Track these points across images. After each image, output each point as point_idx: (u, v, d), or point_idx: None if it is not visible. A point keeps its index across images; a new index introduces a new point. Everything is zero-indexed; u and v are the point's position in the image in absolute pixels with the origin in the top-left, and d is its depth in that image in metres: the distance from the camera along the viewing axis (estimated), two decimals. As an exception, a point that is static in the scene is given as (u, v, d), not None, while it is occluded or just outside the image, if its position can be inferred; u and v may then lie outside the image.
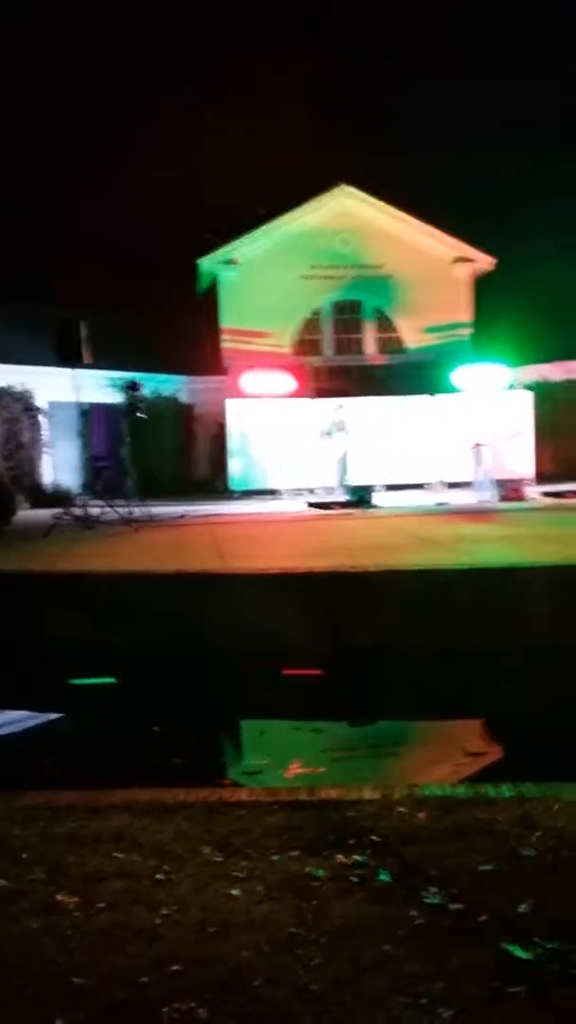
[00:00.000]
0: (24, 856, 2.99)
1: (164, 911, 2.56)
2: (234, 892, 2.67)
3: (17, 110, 36.80)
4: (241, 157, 29.07)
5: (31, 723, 6.03)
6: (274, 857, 2.93)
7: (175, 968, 2.23)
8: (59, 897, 2.67)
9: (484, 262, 23.24)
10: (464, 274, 23.19)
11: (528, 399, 18.93)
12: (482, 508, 13.94)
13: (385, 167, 27.68)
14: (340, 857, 2.91)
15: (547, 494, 14.81)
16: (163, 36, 41.54)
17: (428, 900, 2.58)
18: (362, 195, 22.60)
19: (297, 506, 15.42)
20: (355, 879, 2.75)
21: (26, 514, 14.47)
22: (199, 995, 2.10)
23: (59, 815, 3.38)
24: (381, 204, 22.62)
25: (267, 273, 22.25)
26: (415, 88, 37.53)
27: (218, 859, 2.93)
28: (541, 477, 18.86)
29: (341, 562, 7.23)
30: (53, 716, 6.21)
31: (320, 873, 2.78)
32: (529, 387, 19.86)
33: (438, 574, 6.94)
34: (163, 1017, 2.02)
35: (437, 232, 22.87)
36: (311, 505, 15.06)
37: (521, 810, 3.33)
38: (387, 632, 6.69)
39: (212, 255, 22.47)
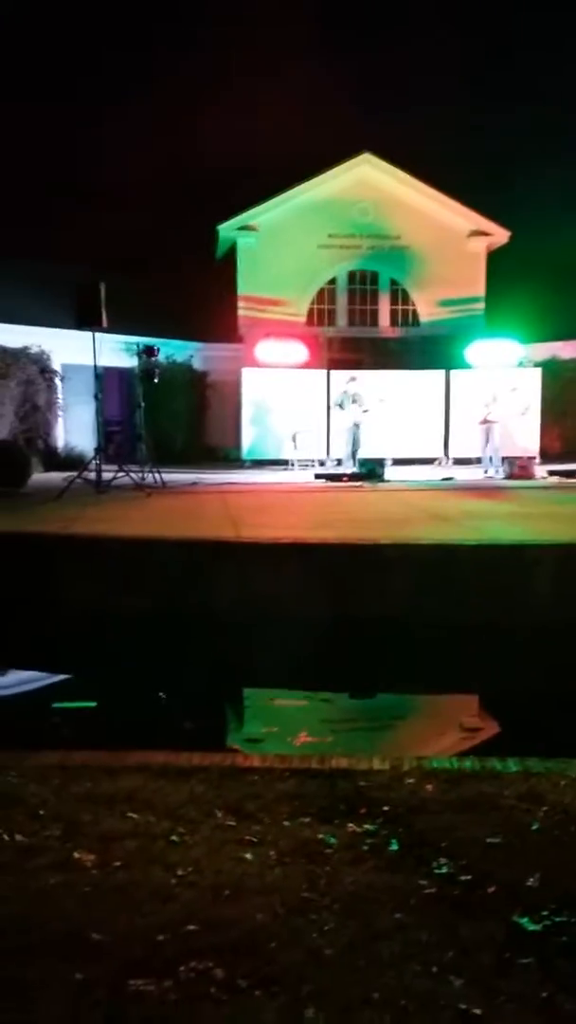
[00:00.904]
0: (41, 813, 3.04)
1: (179, 872, 2.61)
2: (247, 856, 2.72)
3: (38, 69, 36.36)
4: (264, 123, 28.70)
5: (43, 683, 6.10)
6: (286, 823, 2.98)
7: (191, 928, 2.28)
8: (76, 855, 2.72)
9: (500, 236, 23.03)
10: (480, 248, 22.99)
11: (537, 376, 18.83)
12: (490, 485, 13.92)
13: (405, 138, 27.41)
14: (351, 825, 2.96)
15: (553, 472, 14.77)
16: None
17: (438, 871, 2.63)
18: (383, 164, 22.34)
19: (307, 477, 15.42)
20: (366, 847, 2.80)
21: (40, 477, 14.50)
22: (215, 955, 2.15)
23: (73, 775, 3.44)
24: (401, 174, 22.37)
25: (285, 241, 22.09)
26: (437, 60, 36.92)
27: (231, 823, 2.98)
28: (547, 456, 18.81)
29: (351, 534, 7.26)
30: (63, 677, 6.28)
31: (332, 840, 2.83)
32: (539, 364, 19.75)
33: (448, 549, 6.96)
34: (180, 975, 2.07)
35: (455, 204, 22.64)
36: (321, 476, 15.05)
37: (527, 785, 3.37)
38: (395, 604, 6.72)
39: (231, 221, 22.27)
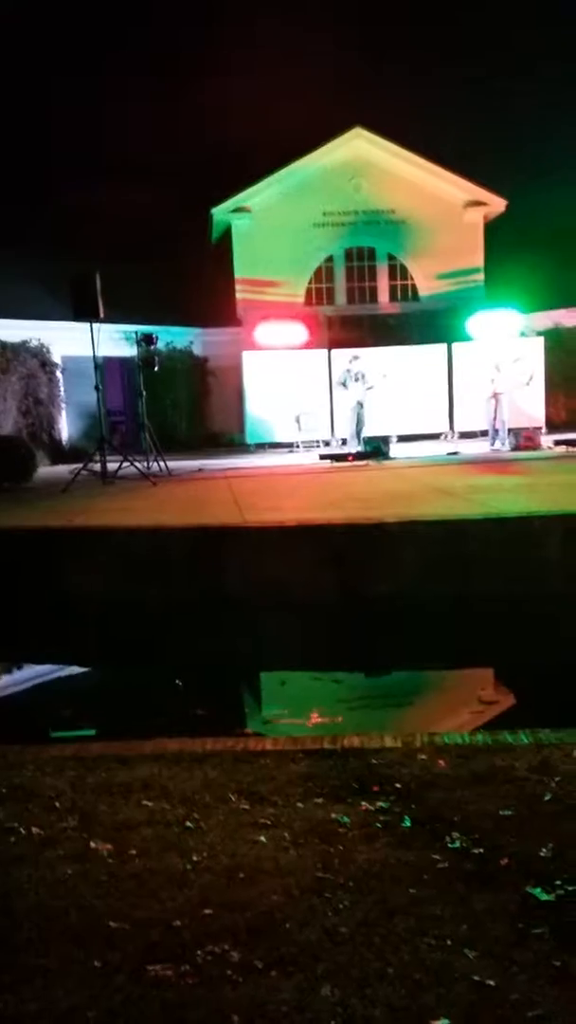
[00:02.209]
0: (57, 805, 3.08)
1: (194, 857, 2.64)
2: (262, 838, 2.75)
3: (29, 54, 36.09)
4: (255, 104, 28.46)
5: (55, 676, 6.14)
6: (299, 804, 3.01)
7: (207, 912, 2.31)
8: (92, 844, 2.75)
9: (496, 205, 22.84)
10: (476, 218, 22.81)
11: (540, 346, 18.71)
12: (496, 457, 13.88)
13: (397, 110, 27.11)
14: (364, 803, 2.99)
15: (560, 442, 14.70)
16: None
17: (451, 845, 2.65)
18: (375, 138, 22.16)
19: (312, 458, 15.41)
20: (379, 825, 2.82)
21: (45, 470, 14.54)
22: (231, 938, 2.18)
23: (89, 766, 3.47)
24: (394, 147, 22.19)
25: (280, 221, 21.98)
26: (424, 30, 36.48)
27: (245, 807, 3.01)
28: (553, 425, 18.73)
29: (356, 514, 7.26)
30: (78, 670, 6.33)
31: (345, 819, 2.85)
32: (542, 333, 19.62)
33: (454, 524, 6.95)
34: (197, 959, 2.10)
35: (449, 175, 22.45)
36: (325, 457, 15.03)
37: (539, 756, 3.39)
38: (403, 582, 6.73)
39: (225, 203, 22.16)
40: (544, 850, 2.57)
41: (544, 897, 2.31)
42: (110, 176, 27.33)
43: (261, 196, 22.23)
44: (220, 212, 22.30)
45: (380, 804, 2.97)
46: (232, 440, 20.17)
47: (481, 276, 22.77)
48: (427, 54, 34.83)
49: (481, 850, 2.60)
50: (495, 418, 15.92)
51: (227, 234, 22.89)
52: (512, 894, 2.33)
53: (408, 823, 2.82)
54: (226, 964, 2.08)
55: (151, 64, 36.60)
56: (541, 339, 19.07)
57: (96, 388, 11.58)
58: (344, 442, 16.97)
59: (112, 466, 11.83)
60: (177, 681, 5.59)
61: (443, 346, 18.75)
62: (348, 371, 16.41)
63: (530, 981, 1.97)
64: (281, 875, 2.50)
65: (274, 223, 21.98)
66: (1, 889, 2.48)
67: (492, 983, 1.96)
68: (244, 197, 22.20)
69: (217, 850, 2.68)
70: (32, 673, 6.24)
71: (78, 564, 6.99)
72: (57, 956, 2.14)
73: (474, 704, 5.28)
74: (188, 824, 2.88)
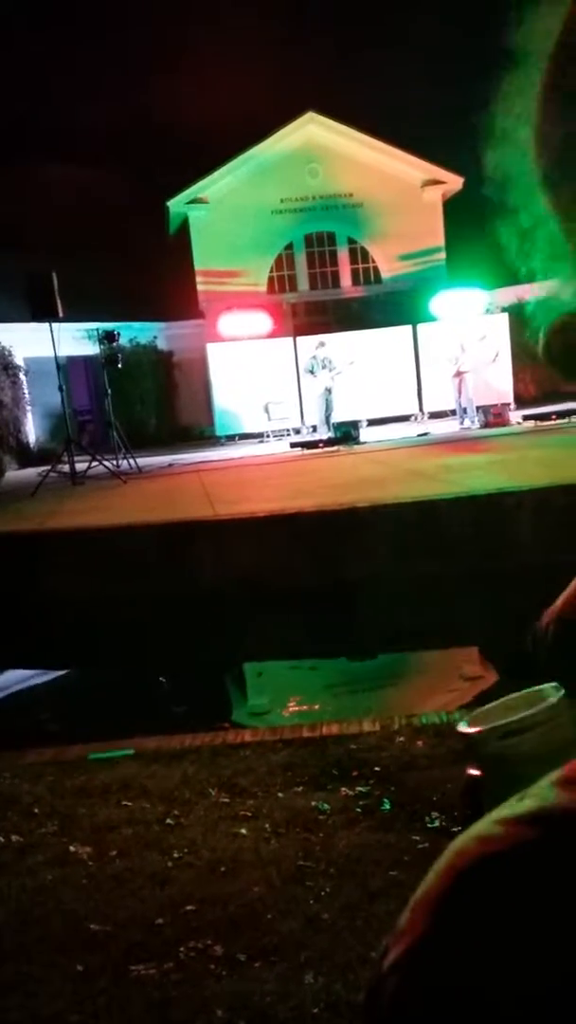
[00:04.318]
0: (35, 811, 3.05)
1: (175, 854, 2.63)
2: (242, 831, 2.75)
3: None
4: (205, 92, 28.22)
5: (35, 681, 6.10)
6: (280, 794, 3.01)
7: (188, 908, 2.31)
8: (72, 848, 2.74)
9: (454, 183, 22.80)
10: (435, 197, 22.79)
11: (505, 322, 18.75)
12: (466, 436, 13.91)
13: (349, 93, 26.98)
14: (344, 789, 2.99)
15: (528, 417, 14.76)
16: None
17: (430, 825, 2.66)
18: (329, 122, 22.05)
19: (283, 447, 15.37)
20: (359, 809, 2.83)
21: (14, 474, 14.42)
22: (213, 932, 2.18)
23: (67, 769, 3.45)
24: (348, 130, 22.10)
25: (237, 210, 21.83)
26: (372, 8, 36.29)
27: (225, 800, 3.00)
28: (522, 400, 18.79)
29: (328, 500, 7.25)
30: (56, 673, 6.29)
31: (325, 806, 2.86)
32: (506, 309, 19.67)
33: (425, 505, 6.97)
34: (180, 956, 2.09)
35: (405, 155, 22.38)
36: (296, 445, 15.00)
37: (517, 731, 3.40)
38: (378, 566, 6.74)
39: (180, 195, 21.97)
40: (523, 824, 2.58)
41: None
42: (58, 169, 26.94)
43: (217, 186, 22.08)
44: (176, 204, 22.13)
45: (360, 789, 2.98)
46: (202, 433, 20.06)
47: (443, 255, 22.77)
48: (373, 34, 34.66)
49: (460, 828, 2.59)
50: (460, 396, 15.97)
51: (184, 226, 22.72)
52: (492, 870, 2.34)
53: (388, 806, 2.82)
54: (209, 959, 2.07)
55: (101, 54, 36.12)
56: (506, 315, 19.10)
57: (60, 389, 11.47)
58: (314, 429, 16.94)
59: (81, 466, 11.74)
60: (160, 678, 5.58)
61: (408, 328, 18.73)
62: (315, 358, 16.35)
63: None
64: (262, 866, 2.50)
65: (232, 212, 21.84)
66: (-19, 899, 2.46)
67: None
68: (200, 188, 22.03)
69: (198, 845, 2.68)
70: (10, 679, 6.20)
71: (50, 566, 6.94)
72: (39, 963, 2.13)
73: (453, 683, 5.31)
74: (168, 821, 2.87)
